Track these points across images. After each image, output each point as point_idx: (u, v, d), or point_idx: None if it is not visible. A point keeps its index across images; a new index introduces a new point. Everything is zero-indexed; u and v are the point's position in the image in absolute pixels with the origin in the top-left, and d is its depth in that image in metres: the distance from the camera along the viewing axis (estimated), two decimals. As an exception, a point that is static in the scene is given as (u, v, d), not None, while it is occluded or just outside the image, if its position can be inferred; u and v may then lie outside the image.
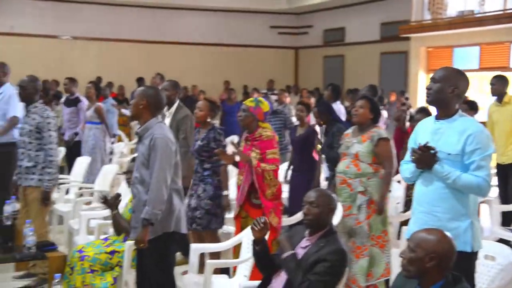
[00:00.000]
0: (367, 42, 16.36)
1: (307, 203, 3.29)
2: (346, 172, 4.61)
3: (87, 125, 7.92)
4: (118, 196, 4.57)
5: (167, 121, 5.57)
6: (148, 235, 3.64)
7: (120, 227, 4.46)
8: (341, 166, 4.67)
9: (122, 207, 4.70)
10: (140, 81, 14.65)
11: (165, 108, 5.62)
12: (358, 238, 4.54)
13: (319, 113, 5.91)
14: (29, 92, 5.06)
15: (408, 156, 3.48)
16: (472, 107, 6.98)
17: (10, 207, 5.29)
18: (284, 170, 6.31)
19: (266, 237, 3.42)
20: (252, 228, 3.34)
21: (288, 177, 6.30)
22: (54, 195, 6.58)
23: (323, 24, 18.16)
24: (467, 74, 3.42)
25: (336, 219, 4.47)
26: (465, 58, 12.70)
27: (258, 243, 3.36)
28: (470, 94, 10.36)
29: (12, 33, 15.65)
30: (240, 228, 4.61)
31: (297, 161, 6.19)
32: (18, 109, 5.70)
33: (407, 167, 3.46)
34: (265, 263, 3.42)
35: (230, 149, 5.07)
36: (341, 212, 4.54)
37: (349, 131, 4.83)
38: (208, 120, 5.08)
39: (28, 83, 5.08)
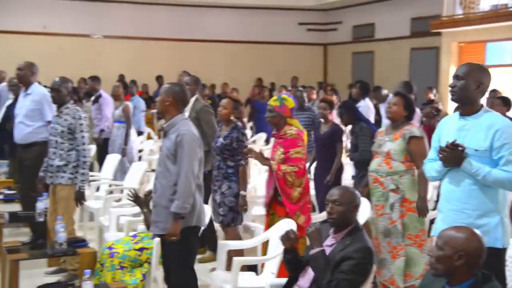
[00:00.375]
0: (397, 38, 16.16)
1: (330, 202, 3.28)
2: (378, 171, 4.56)
3: (115, 124, 7.98)
4: (149, 193, 4.61)
5: (186, 114, 5.65)
6: (179, 228, 3.70)
7: (148, 226, 4.50)
8: (373, 164, 4.63)
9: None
10: (159, 79, 14.82)
11: None
12: (393, 238, 4.48)
13: (341, 115, 5.87)
14: (62, 94, 5.15)
15: (431, 154, 3.44)
16: (505, 103, 6.85)
17: (43, 204, 5.39)
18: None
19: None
20: (282, 241, 3.34)
21: (311, 175, 6.27)
22: (85, 192, 6.69)
23: (352, 20, 18.01)
24: (500, 69, 3.37)
25: (364, 217, 4.45)
26: (498, 53, 12.44)
27: (288, 251, 3.35)
28: (504, 90, 10.17)
29: (45, 33, 15.91)
30: (268, 225, 4.61)
31: (321, 158, 6.14)
32: (52, 113, 5.75)
33: (432, 165, 3.41)
34: (296, 267, 3.42)
35: (258, 147, 5.07)
36: (369, 210, 4.51)
37: (383, 128, 4.78)
38: (231, 118, 5.11)
39: (61, 85, 5.16)
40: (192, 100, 5.84)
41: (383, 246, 4.53)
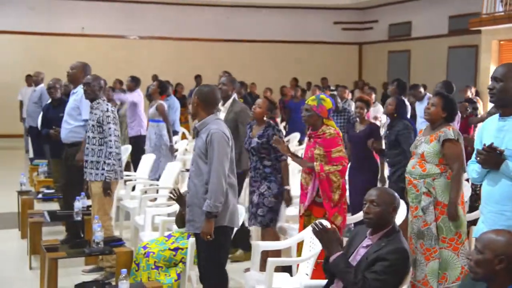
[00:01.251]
0: (434, 36, 15.90)
1: (368, 202, 3.23)
2: (412, 173, 4.48)
3: (150, 123, 8.05)
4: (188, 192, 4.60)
5: (222, 115, 5.67)
6: (212, 227, 3.72)
7: (179, 225, 4.51)
8: (409, 166, 4.55)
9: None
10: (197, 78, 14.90)
11: (220, 103, 5.74)
12: (427, 240, 4.40)
13: (396, 105, 5.68)
14: (93, 89, 5.24)
15: (474, 156, 3.36)
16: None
17: (80, 203, 5.49)
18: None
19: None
20: (312, 231, 3.25)
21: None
22: (121, 192, 6.78)
23: (389, 19, 17.80)
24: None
25: (400, 218, 4.38)
26: (540, 51, 12.14)
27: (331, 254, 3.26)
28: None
29: (83, 34, 16.21)
30: (303, 226, 4.57)
31: (356, 158, 6.06)
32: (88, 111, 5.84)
33: (474, 167, 3.34)
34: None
35: (292, 147, 5.03)
36: (405, 211, 4.44)
37: (423, 127, 4.69)
38: (264, 118, 5.09)
39: (93, 80, 5.27)
40: (230, 101, 5.83)
41: (416, 247, 4.47)
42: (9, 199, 7.55)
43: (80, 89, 5.82)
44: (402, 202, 4.46)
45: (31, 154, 10.31)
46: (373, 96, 8.78)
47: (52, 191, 6.90)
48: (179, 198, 4.47)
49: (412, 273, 4.47)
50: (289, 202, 5.02)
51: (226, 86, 5.82)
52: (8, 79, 15.02)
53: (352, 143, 6.19)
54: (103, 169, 5.15)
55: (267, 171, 5.02)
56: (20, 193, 6.75)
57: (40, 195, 6.79)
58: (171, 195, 4.55)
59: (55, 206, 7.28)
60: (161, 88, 8.47)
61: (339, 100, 7.96)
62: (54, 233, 6.45)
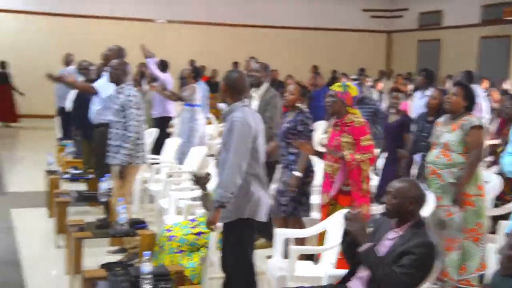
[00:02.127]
0: (466, 26, 15.62)
1: (388, 193, 3.22)
2: (436, 163, 4.44)
3: (185, 108, 8.06)
4: (208, 174, 4.61)
5: (255, 102, 5.63)
6: (218, 217, 3.66)
7: (207, 208, 4.52)
8: (431, 156, 4.51)
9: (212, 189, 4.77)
10: (235, 65, 14.84)
11: (253, 90, 5.70)
12: (449, 230, 4.38)
13: (442, 97, 5.48)
14: (117, 73, 5.27)
15: (510, 148, 3.31)
16: None
17: (105, 184, 5.54)
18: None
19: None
20: (346, 219, 3.23)
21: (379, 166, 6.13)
22: (146, 175, 6.83)
23: (419, 7, 17.53)
24: None
25: (427, 211, 4.34)
26: None
27: (350, 233, 3.26)
28: None
29: (112, 17, 16.29)
30: (326, 215, 4.54)
31: (389, 149, 6.00)
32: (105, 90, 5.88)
33: (510, 159, 3.29)
34: (353, 253, 3.35)
35: (317, 136, 4.99)
36: (432, 204, 4.39)
37: (441, 119, 4.64)
38: (297, 104, 5.05)
39: (117, 65, 5.30)
40: (263, 88, 5.75)
41: (437, 238, 4.44)
42: (38, 178, 7.68)
43: None
44: (431, 195, 4.43)
45: (59, 135, 10.45)
46: (410, 87, 8.62)
47: (80, 171, 6.98)
48: (198, 180, 4.48)
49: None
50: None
51: (259, 73, 5.72)
52: (38, 60, 15.20)
53: (386, 134, 6.13)
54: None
55: (290, 159, 4.99)
56: (48, 172, 6.85)
57: (67, 175, 6.88)
58: (192, 178, 4.56)
59: (82, 186, 7.38)
60: (195, 73, 8.45)
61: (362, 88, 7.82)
62: (81, 213, 6.53)
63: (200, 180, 4.37)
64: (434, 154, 4.49)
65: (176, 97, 8.27)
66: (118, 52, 6.10)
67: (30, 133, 13.97)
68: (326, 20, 18.01)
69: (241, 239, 3.81)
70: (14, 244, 5.73)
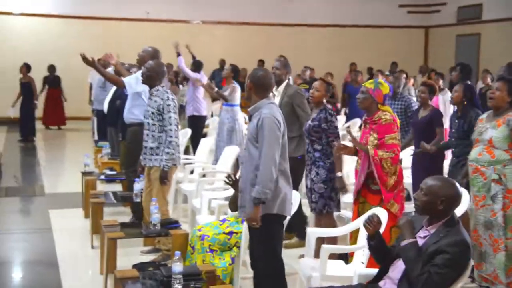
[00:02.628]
0: (507, 19, 15.20)
1: (420, 189, 3.16)
2: (479, 160, 4.32)
3: (224, 107, 8.06)
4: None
5: (276, 100, 5.62)
6: (259, 213, 3.67)
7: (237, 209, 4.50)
8: (473, 153, 4.39)
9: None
10: (261, 63, 14.87)
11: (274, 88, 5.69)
12: (495, 230, 4.26)
13: (464, 91, 5.29)
14: (150, 75, 5.22)
15: None
16: None
17: (139, 185, 5.59)
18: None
19: (383, 227, 3.30)
20: (365, 226, 3.26)
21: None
22: (179, 175, 6.87)
23: (458, 1, 17.16)
24: None
25: (462, 209, 4.23)
26: None
27: (372, 238, 3.26)
28: None
29: (148, 19, 16.47)
30: (357, 214, 4.49)
31: (418, 145, 5.88)
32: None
33: None
34: (382, 255, 3.30)
35: (344, 133, 4.92)
36: (467, 202, 4.28)
37: (484, 116, 4.51)
38: (323, 101, 5.01)
39: (152, 66, 5.25)
40: (283, 85, 5.77)
41: (484, 238, 4.32)
42: (75, 180, 7.82)
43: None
44: (465, 192, 4.31)
45: (96, 136, 10.63)
46: (441, 82, 8.42)
47: (114, 172, 7.08)
48: (234, 183, 4.47)
49: (480, 266, 4.34)
50: (343, 190, 4.91)
51: (279, 70, 5.75)
52: (78, 63, 15.46)
53: (415, 129, 6.02)
54: (162, 155, 5.18)
55: (316, 155, 4.96)
56: (84, 173, 6.96)
57: (102, 176, 6.98)
58: (226, 180, 4.56)
59: (117, 187, 7.48)
60: (234, 73, 8.43)
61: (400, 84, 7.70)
62: (117, 214, 6.63)
63: (236, 183, 4.37)
64: (476, 151, 4.37)
65: (222, 97, 8.25)
66: (153, 54, 6.10)
67: (70, 135, 14.26)
68: (362, 17, 17.81)
69: (270, 234, 3.81)
70: (52, 244, 5.84)
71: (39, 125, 14.70)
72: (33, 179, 9.05)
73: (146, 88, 5.55)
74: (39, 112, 14.43)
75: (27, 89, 12.58)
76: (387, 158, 4.34)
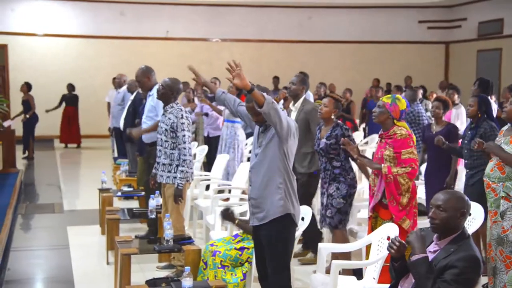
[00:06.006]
0: (528, 34, 15.06)
1: (434, 207, 3.07)
2: (490, 176, 4.26)
3: (225, 123, 8.11)
4: (228, 209, 4.65)
5: (293, 115, 5.62)
6: None
7: (247, 231, 4.49)
8: (487, 168, 4.33)
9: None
10: (275, 79, 14.92)
11: (291, 103, 5.72)
12: (506, 247, 4.18)
13: (479, 103, 5.23)
14: (165, 92, 5.26)
15: None
16: None
17: (154, 201, 5.62)
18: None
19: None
20: (388, 250, 3.14)
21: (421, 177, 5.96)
22: (195, 191, 6.88)
23: (479, 16, 17.03)
24: None
25: (477, 224, 4.18)
26: None
27: (397, 260, 3.15)
28: None
29: (168, 38, 16.66)
30: (371, 228, 4.45)
31: (432, 160, 5.82)
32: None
33: None
34: (402, 275, 3.23)
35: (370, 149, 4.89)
36: (481, 217, 4.21)
37: (505, 128, 4.44)
38: (332, 117, 4.99)
39: (167, 84, 5.29)
40: (300, 100, 5.75)
41: (496, 254, 4.24)
42: (93, 197, 7.89)
43: (155, 90, 5.94)
44: (478, 207, 4.25)
45: (115, 154, 10.73)
46: (456, 96, 8.35)
47: (131, 189, 7.12)
48: (226, 216, 4.53)
49: (491, 280, 4.27)
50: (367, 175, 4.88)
51: (296, 86, 5.74)
52: (98, 82, 15.72)
53: (428, 144, 5.96)
54: (175, 172, 5.19)
55: (336, 172, 4.94)
56: (101, 190, 7.02)
57: (119, 193, 7.03)
58: (221, 214, 4.62)
59: (134, 204, 7.52)
60: (238, 90, 8.51)
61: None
62: (133, 230, 6.66)
63: (228, 216, 4.49)
64: (489, 167, 4.31)
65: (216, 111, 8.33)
66: (145, 74, 6.28)
67: (89, 153, 14.41)
68: (382, 33, 17.79)
69: (285, 235, 3.84)
70: (68, 261, 5.88)
71: (56, 143, 14.95)
72: (52, 196, 9.16)
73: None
74: (55, 130, 14.70)
75: (27, 106, 12.86)
76: (403, 174, 4.30)
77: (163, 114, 5.32)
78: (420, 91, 9.83)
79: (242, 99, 4.14)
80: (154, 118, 6.10)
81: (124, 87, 9.86)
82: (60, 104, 14.42)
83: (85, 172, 11.97)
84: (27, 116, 12.85)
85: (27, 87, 13.05)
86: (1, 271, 5.35)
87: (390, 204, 4.31)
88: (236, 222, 4.52)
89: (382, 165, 4.35)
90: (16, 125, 12.70)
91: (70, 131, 14.71)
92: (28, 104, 12.91)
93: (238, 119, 8.00)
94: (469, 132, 5.26)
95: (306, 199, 5.20)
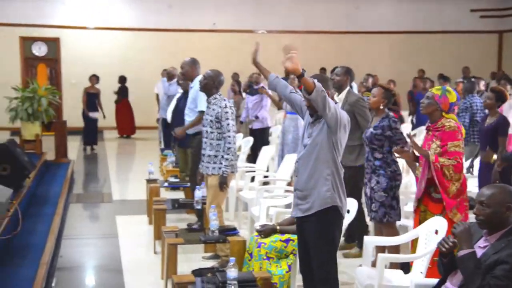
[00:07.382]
0: None
1: (478, 203, 3.00)
2: None
3: (287, 115, 8.04)
4: (263, 227, 4.62)
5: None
6: None
7: (290, 233, 4.46)
8: None
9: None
10: (321, 70, 14.77)
11: (335, 94, 5.63)
12: None
13: None
14: (207, 83, 5.33)
15: None
16: None
17: (200, 192, 5.67)
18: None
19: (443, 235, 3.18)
20: (439, 247, 3.06)
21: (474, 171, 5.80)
22: (240, 183, 6.92)
23: (533, 4, 16.49)
24: None
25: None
26: None
27: (446, 256, 3.09)
28: None
29: (214, 30, 16.76)
30: (418, 222, 4.36)
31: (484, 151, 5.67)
32: (204, 103, 5.99)
33: None
34: (451, 271, 3.17)
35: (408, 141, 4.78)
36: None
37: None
38: (381, 107, 4.90)
39: (209, 76, 5.35)
40: (345, 92, 5.68)
41: None
42: (141, 187, 8.03)
43: (196, 82, 5.99)
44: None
45: (162, 145, 10.88)
46: (508, 87, 8.05)
47: (177, 180, 7.21)
48: (261, 232, 4.51)
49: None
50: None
51: (340, 77, 5.67)
52: (146, 74, 15.96)
53: (481, 137, 5.81)
54: (220, 163, 5.23)
55: (377, 164, 4.85)
56: (148, 181, 7.13)
57: (166, 184, 7.13)
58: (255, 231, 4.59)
59: (180, 194, 7.61)
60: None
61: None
62: (180, 220, 6.75)
63: (267, 232, 4.46)
64: None
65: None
66: (191, 64, 6.34)
67: (138, 144, 14.68)
68: (431, 23, 17.40)
69: (332, 228, 3.76)
70: (117, 249, 6.01)
71: (111, 134, 15.28)
72: (102, 186, 9.37)
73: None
74: (112, 122, 15.02)
75: (93, 99, 13.09)
76: (449, 166, 4.20)
77: (207, 106, 5.37)
78: (482, 83, 9.47)
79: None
80: (194, 110, 6.19)
81: (175, 80, 9.96)
82: (118, 97, 14.75)
83: (135, 162, 12.21)
84: (97, 113, 13.10)
85: (96, 79, 13.26)
86: (54, 258, 5.51)
87: (442, 194, 4.21)
88: (278, 230, 4.51)
89: (430, 152, 4.26)
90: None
91: (125, 122, 15.04)
92: (95, 97, 13.11)
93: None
94: None
95: (355, 193, 5.14)
